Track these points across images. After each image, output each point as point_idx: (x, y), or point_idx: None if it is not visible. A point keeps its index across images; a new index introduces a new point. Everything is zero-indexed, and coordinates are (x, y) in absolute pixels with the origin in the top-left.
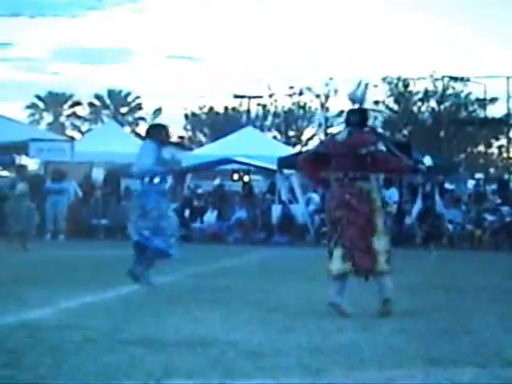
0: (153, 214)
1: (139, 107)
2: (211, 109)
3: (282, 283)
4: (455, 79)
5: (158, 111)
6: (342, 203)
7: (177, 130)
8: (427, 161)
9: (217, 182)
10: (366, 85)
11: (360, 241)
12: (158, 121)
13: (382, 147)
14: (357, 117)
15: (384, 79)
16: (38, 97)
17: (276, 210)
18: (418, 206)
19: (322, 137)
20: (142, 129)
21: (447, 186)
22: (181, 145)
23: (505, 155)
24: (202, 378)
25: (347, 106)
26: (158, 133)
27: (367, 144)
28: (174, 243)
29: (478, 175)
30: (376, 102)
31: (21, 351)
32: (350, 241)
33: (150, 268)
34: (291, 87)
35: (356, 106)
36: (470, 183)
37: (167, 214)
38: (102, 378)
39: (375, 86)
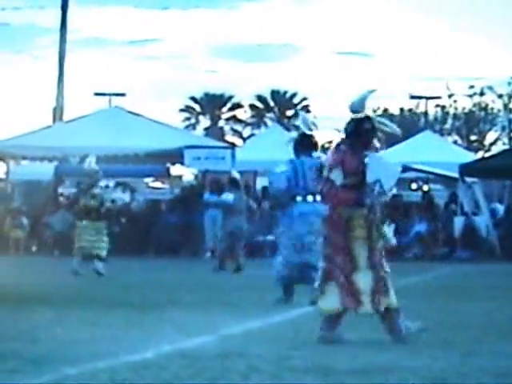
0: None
1: (307, 110)
2: (385, 110)
3: (466, 302)
4: None
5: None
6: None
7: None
8: None
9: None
10: (371, 91)
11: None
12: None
13: (336, 172)
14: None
15: None
16: (193, 98)
17: (458, 223)
18: None
19: (506, 141)
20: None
21: None
22: None
23: None
24: None
25: None
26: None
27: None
28: None
29: None
30: None
31: (179, 383)
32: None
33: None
34: (471, 86)
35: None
36: None
37: None
38: None
39: None
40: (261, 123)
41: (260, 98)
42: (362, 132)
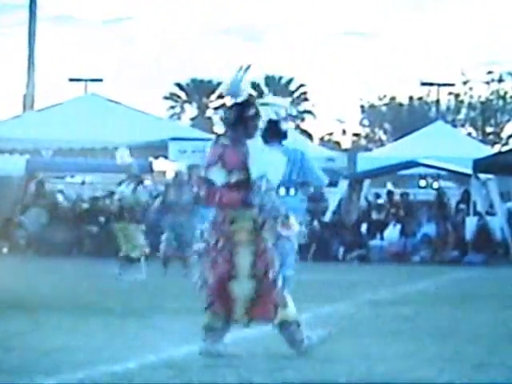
0: None
1: (305, 98)
2: (393, 99)
3: (477, 310)
4: None
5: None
6: None
7: (351, 126)
8: None
9: (389, 188)
10: (247, 68)
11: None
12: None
13: (215, 170)
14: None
15: None
16: (179, 85)
17: (470, 224)
18: None
19: None
20: (309, 124)
21: None
22: None
23: None
24: None
25: None
26: None
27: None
28: None
29: None
30: None
31: None
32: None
33: None
34: (489, 72)
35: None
36: None
37: None
38: None
39: None
40: None
41: (253, 85)
42: (243, 120)
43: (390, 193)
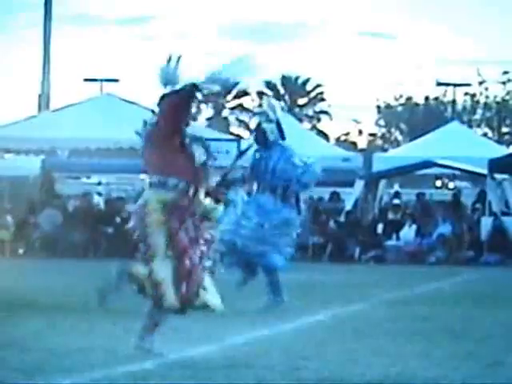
0: None
1: (321, 98)
2: (409, 99)
3: (492, 311)
4: None
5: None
6: None
7: (367, 126)
8: None
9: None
10: (178, 58)
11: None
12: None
13: None
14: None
15: None
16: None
17: (486, 224)
18: None
19: None
20: (325, 125)
21: None
22: None
23: None
24: None
25: None
26: None
27: None
28: None
29: None
30: None
31: None
32: None
33: None
34: (505, 72)
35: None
36: None
37: None
38: None
39: None
40: None
41: (269, 85)
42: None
43: (397, 194)
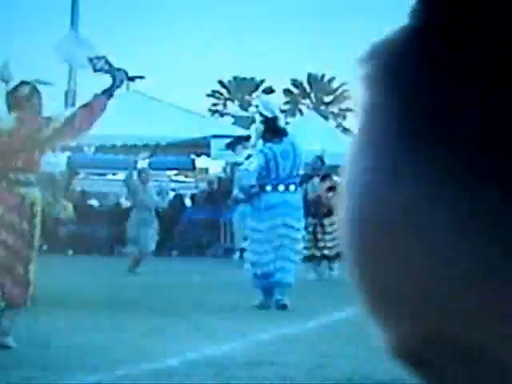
0: None
1: (344, 96)
2: None
3: None
4: None
5: None
6: None
7: None
8: None
9: None
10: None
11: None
12: None
13: None
14: None
15: None
16: (221, 82)
17: None
18: None
19: None
20: (351, 122)
21: None
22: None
23: None
24: None
25: None
26: None
27: None
28: None
29: None
30: None
31: None
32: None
33: None
34: None
35: None
36: None
37: None
38: None
39: None
40: (296, 110)
41: (295, 83)
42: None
43: None
